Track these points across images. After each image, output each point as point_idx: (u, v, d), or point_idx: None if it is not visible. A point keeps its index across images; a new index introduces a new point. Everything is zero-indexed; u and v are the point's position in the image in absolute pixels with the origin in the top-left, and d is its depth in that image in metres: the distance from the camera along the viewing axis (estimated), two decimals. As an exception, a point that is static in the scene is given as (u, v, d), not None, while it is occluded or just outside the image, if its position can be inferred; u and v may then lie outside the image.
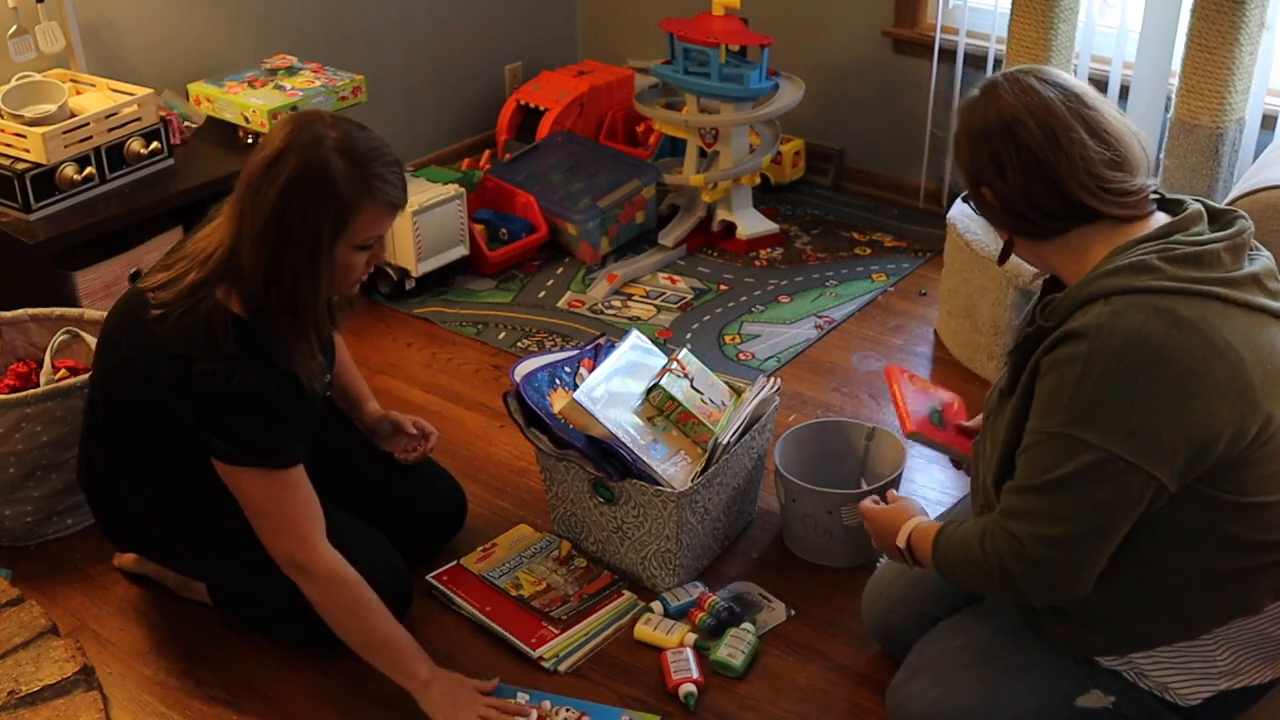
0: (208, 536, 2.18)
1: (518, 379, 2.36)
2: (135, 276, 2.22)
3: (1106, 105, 1.70)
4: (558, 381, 2.41)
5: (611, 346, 2.49)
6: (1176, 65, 3.01)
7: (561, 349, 2.52)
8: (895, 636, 2.13)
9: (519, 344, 3.22)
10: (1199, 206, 1.70)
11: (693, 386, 2.41)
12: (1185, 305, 1.58)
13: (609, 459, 2.28)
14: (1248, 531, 1.67)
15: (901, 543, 1.88)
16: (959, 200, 1.79)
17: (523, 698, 2.13)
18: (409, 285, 3.41)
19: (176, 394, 1.96)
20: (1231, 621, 1.74)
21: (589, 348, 2.51)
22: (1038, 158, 1.65)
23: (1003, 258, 1.83)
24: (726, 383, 2.52)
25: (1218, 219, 1.70)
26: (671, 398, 2.36)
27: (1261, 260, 1.68)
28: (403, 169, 1.98)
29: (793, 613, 2.34)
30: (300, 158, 1.87)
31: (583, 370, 2.45)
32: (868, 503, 2.01)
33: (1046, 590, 1.69)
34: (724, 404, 2.45)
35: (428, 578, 2.39)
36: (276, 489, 2.03)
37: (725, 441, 2.33)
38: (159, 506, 2.16)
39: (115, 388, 2.10)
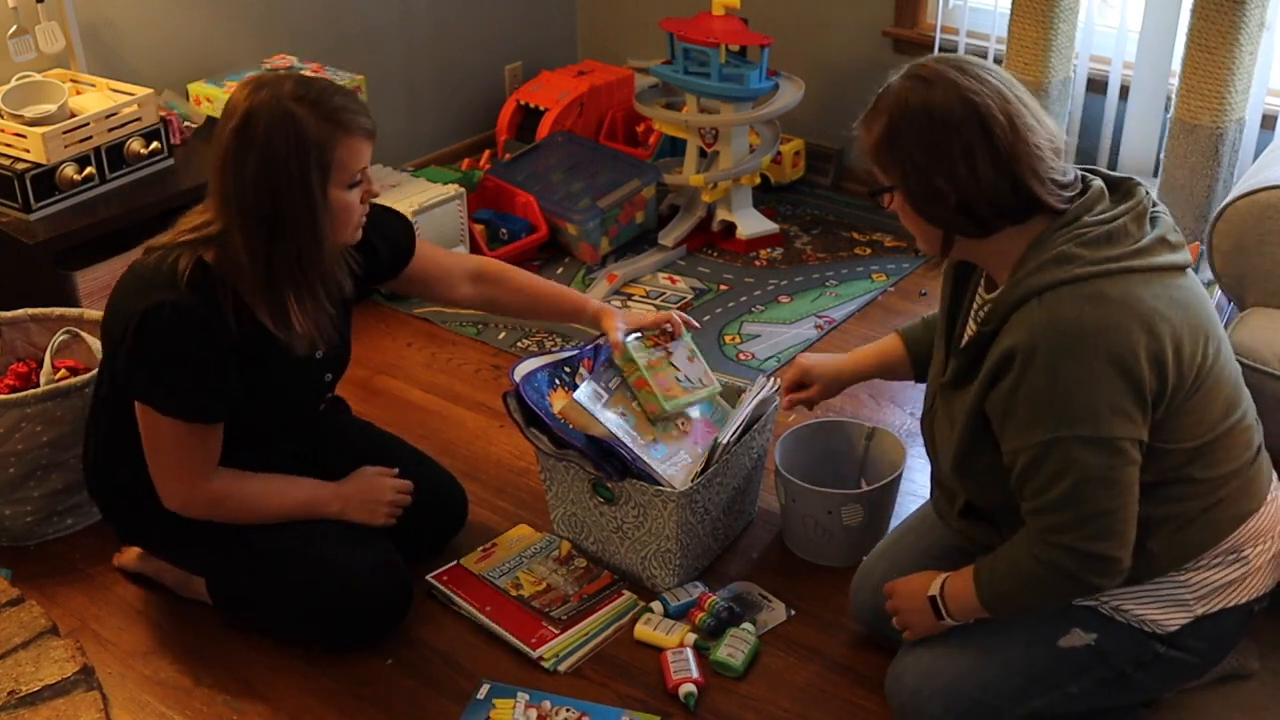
0: (206, 528, 2.18)
1: (517, 379, 2.36)
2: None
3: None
4: (557, 381, 2.41)
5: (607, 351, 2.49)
6: (1176, 65, 3.01)
7: (561, 349, 2.52)
8: (883, 618, 2.14)
9: (519, 344, 3.22)
10: (1099, 183, 1.75)
11: (669, 361, 2.38)
12: (1109, 285, 1.66)
13: (609, 459, 2.28)
14: (1202, 470, 1.76)
15: (935, 590, 1.91)
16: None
17: (523, 698, 2.14)
18: (409, 285, 3.40)
19: (122, 329, 1.99)
20: (1201, 554, 1.80)
21: (589, 347, 2.51)
22: (1005, 149, 1.66)
23: (945, 249, 1.79)
24: (725, 382, 2.52)
25: (1116, 188, 1.77)
26: (632, 360, 2.34)
27: (1163, 220, 1.75)
28: (359, 99, 2.04)
29: (793, 613, 2.34)
30: (267, 118, 1.92)
31: (583, 370, 2.44)
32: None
33: (1110, 574, 1.74)
34: (697, 384, 2.40)
35: (428, 578, 2.39)
36: (188, 439, 2.06)
37: (725, 441, 2.33)
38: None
39: (106, 346, 2.13)
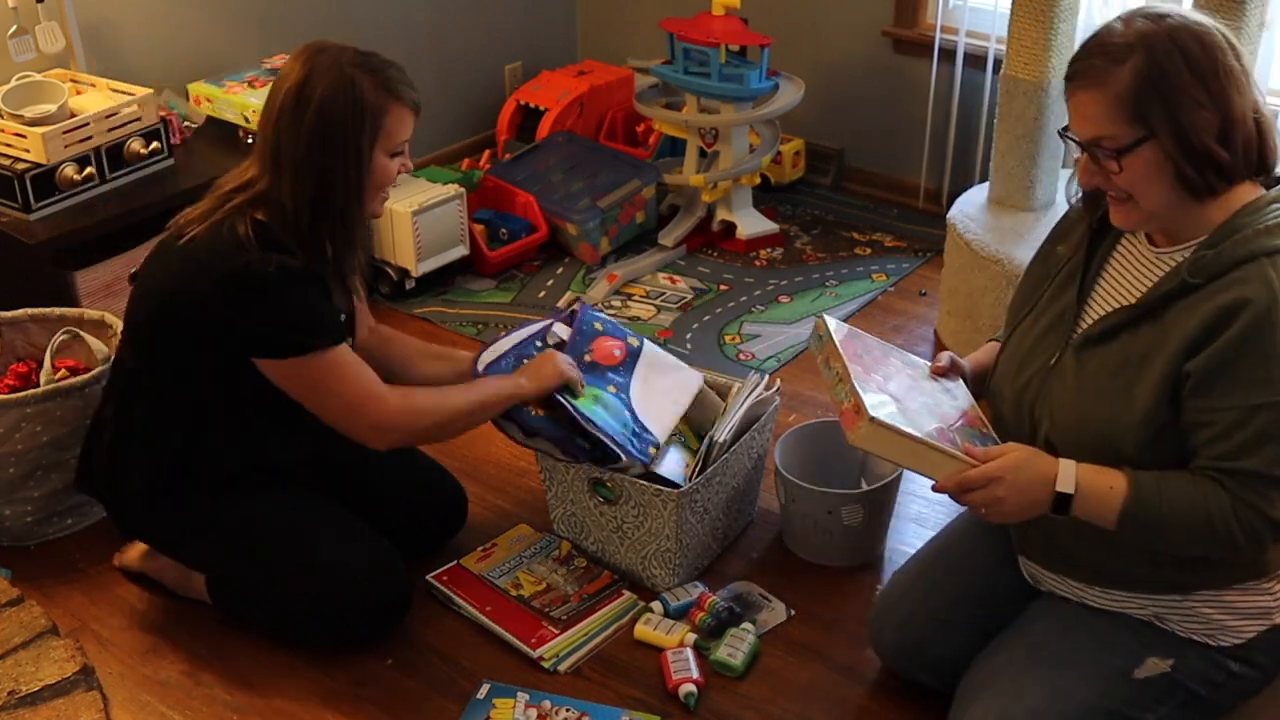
0: (209, 523, 2.19)
1: (480, 369, 2.31)
2: (134, 277, 2.26)
3: None
4: (525, 361, 2.34)
5: (587, 310, 2.47)
6: (1176, 65, 3.00)
7: (522, 325, 2.43)
8: (913, 655, 2.08)
9: (519, 344, 3.22)
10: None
11: None
12: None
13: (575, 443, 2.26)
14: None
15: (1068, 486, 1.71)
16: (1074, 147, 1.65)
17: (523, 698, 2.14)
18: (409, 285, 3.41)
19: (219, 300, 2.02)
20: None
21: (564, 314, 2.47)
22: (1250, 79, 1.63)
23: (1163, 209, 1.67)
24: (709, 379, 2.52)
25: None
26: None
27: None
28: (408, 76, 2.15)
29: (793, 613, 2.34)
30: (328, 79, 2.02)
31: (557, 327, 2.40)
32: (968, 472, 1.75)
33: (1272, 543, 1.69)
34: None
35: (428, 578, 2.39)
36: (335, 367, 2.08)
37: (721, 440, 2.33)
38: (173, 472, 2.16)
39: (154, 325, 2.13)
